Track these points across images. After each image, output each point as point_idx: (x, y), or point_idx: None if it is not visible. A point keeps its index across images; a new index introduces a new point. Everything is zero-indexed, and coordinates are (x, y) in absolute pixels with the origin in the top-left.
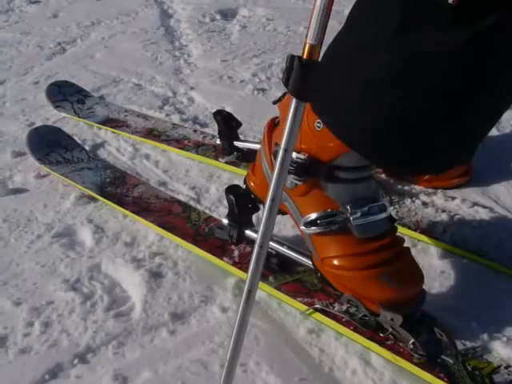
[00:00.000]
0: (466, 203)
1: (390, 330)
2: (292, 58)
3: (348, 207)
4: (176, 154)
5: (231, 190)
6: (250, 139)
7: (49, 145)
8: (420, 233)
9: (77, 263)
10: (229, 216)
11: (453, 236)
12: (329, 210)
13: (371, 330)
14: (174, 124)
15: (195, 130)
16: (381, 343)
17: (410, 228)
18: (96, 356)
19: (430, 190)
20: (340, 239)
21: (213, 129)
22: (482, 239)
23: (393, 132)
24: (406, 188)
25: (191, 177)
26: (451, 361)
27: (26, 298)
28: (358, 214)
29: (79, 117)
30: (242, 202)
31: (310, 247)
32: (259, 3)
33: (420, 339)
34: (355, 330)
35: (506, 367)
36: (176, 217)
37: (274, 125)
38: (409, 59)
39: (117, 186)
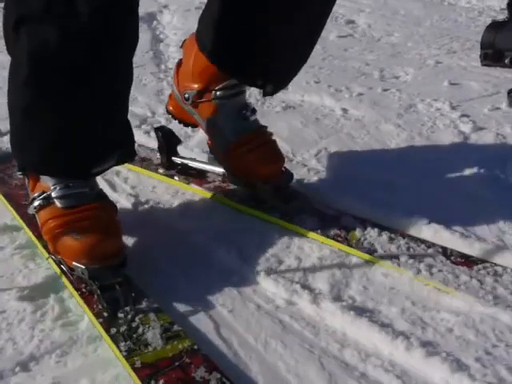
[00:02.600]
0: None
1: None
2: None
3: (51, 186)
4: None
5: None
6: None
7: None
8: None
9: (34, 274)
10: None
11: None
12: (40, 191)
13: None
14: None
15: (140, 145)
16: (82, 294)
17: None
18: (38, 364)
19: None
20: (48, 210)
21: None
22: None
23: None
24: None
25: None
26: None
27: None
28: (57, 189)
29: None
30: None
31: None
32: None
33: (104, 295)
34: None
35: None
36: None
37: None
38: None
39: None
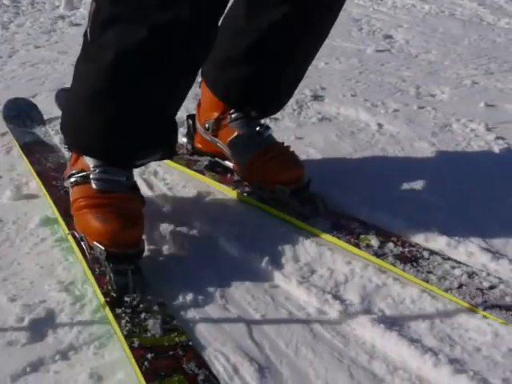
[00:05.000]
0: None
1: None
2: None
3: (91, 167)
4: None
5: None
6: None
7: (19, 112)
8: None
9: (74, 267)
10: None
11: None
12: (79, 169)
13: (96, 261)
14: None
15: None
16: (95, 273)
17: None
18: (77, 354)
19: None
20: (83, 189)
21: None
22: None
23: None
24: None
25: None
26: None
27: (22, 295)
28: (96, 171)
29: None
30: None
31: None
32: None
33: (116, 277)
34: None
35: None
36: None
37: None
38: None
39: (36, 146)
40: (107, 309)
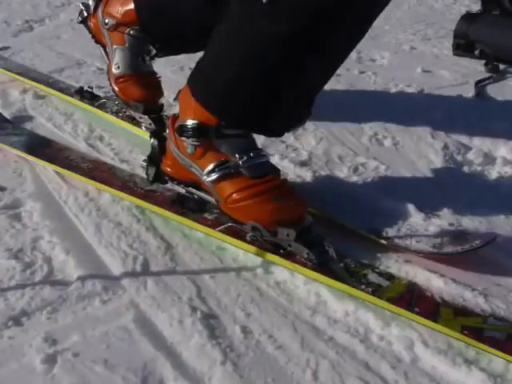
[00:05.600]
0: None
1: (289, 246)
2: None
3: (236, 155)
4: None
5: (155, 134)
6: None
7: None
8: None
9: (21, 234)
10: (149, 157)
11: None
12: (222, 159)
13: (274, 246)
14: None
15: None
16: (282, 256)
17: None
18: (30, 320)
19: None
20: (235, 180)
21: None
22: None
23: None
24: None
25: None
26: (335, 266)
27: None
28: (245, 159)
29: None
30: (163, 145)
31: (215, 196)
32: None
33: (313, 250)
34: (261, 247)
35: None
36: (103, 172)
37: (175, 119)
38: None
39: (44, 149)
40: (324, 279)
